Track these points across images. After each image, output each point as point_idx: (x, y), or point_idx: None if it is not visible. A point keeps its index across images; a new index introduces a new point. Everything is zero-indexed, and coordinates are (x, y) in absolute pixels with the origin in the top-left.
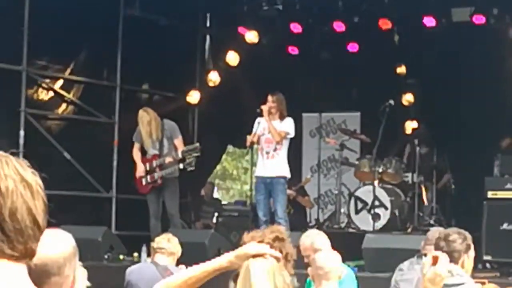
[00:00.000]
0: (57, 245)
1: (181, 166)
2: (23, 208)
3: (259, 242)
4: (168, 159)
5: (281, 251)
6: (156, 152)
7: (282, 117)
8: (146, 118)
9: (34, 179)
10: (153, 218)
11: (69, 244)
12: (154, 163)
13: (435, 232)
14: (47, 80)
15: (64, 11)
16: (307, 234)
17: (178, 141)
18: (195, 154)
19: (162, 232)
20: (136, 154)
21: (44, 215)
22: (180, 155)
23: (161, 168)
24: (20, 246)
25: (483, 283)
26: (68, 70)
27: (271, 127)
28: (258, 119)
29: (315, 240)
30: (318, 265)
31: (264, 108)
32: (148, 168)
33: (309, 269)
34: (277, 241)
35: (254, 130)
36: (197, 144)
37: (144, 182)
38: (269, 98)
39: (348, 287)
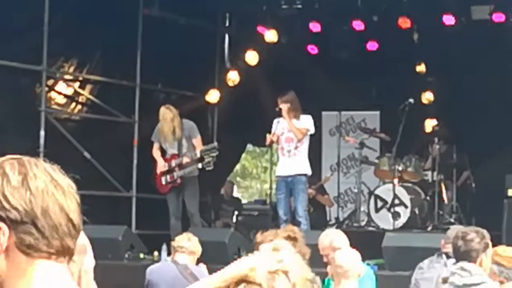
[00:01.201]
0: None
1: (199, 165)
2: (55, 206)
3: (271, 241)
4: (186, 159)
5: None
6: (175, 151)
7: (297, 115)
8: (169, 115)
9: (65, 180)
10: (173, 218)
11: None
12: (173, 162)
13: (454, 231)
14: (67, 80)
15: (83, 11)
16: (326, 233)
17: (197, 141)
18: (214, 154)
19: (182, 231)
20: (156, 153)
21: (78, 213)
22: (198, 155)
23: (180, 167)
24: (55, 243)
25: (502, 282)
26: (87, 70)
27: (292, 126)
28: (277, 119)
29: (334, 239)
30: (338, 264)
31: (283, 107)
32: (167, 168)
33: (329, 267)
34: (290, 240)
35: (273, 129)
36: (215, 144)
37: (163, 182)
38: (279, 101)
39: (367, 286)
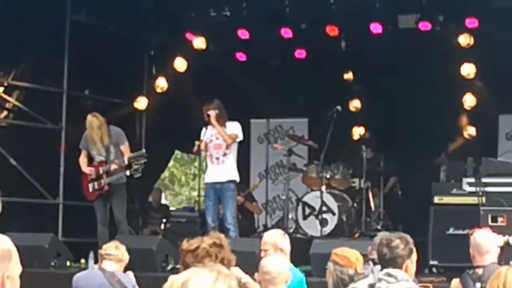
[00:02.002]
0: None
1: (127, 172)
2: None
3: (196, 248)
4: (114, 166)
5: (217, 257)
6: (103, 158)
7: (225, 123)
8: (95, 123)
9: None
10: (101, 225)
11: None
12: (101, 169)
13: (378, 238)
14: None
15: (10, 16)
16: (274, 231)
17: (125, 147)
18: (142, 161)
19: (110, 239)
20: (83, 162)
21: None
22: (126, 162)
23: (108, 174)
24: None
25: (426, 287)
26: (14, 76)
27: (221, 131)
28: (205, 127)
29: (279, 239)
30: (265, 270)
31: (212, 113)
32: (95, 175)
33: (256, 274)
34: (215, 247)
35: (201, 137)
36: (143, 151)
37: (91, 189)
38: (204, 109)
39: None
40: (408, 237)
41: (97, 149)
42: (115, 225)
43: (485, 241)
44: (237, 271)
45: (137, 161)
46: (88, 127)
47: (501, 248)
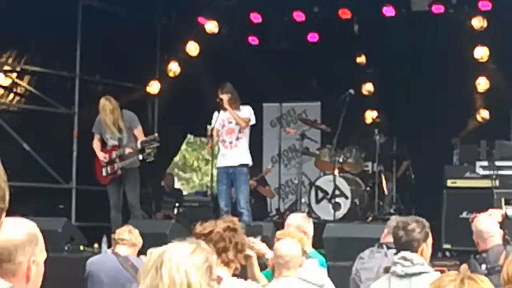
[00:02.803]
0: (9, 232)
1: (140, 157)
2: None
3: (210, 231)
4: (128, 150)
5: (231, 241)
6: (116, 143)
7: (238, 106)
8: (109, 106)
9: None
10: (114, 210)
11: (23, 231)
12: (114, 154)
13: (394, 221)
14: (5, 71)
15: (22, 1)
16: (298, 214)
17: (138, 132)
18: (154, 145)
19: (123, 223)
20: (96, 146)
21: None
22: (139, 146)
23: (121, 159)
24: None
25: (442, 271)
26: (26, 60)
27: (234, 115)
28: (216, 112)
29: (302, 222)
30: (278, 254)
31: (224, 97)
32: (108, 159)
33: (269, 259)
34: (228, 231)
35: (213, 123)
36: (156, 135)
37: (104, 173)
38: (219, 92)
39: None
40: (424, 220)
41: (110, 132)
42: (128, 209)
43: (486, 227)
44: (262, 246)
45: (150, 145)
46: (101, 111)
47: (501, 223)
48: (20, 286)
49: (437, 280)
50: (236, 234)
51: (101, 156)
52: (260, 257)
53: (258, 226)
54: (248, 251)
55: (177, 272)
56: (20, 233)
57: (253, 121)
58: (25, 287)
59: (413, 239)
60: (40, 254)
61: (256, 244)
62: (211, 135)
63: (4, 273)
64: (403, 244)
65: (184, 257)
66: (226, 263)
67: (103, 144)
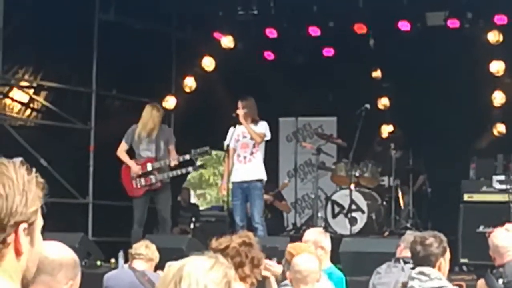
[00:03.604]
0: (57, 250)
1: (190, 169)
2: None
3: (226, 247)
4: (174, 162)
5: (247, 256)
6: (150, 154)
7: (254, 121)
8: (156, 112)
9: None
10: (137, 224)
11: (70, 255)
12: (150, 165)
13: (410, 236)
14: (22, 87)
15: (39, 16)
16: (315, 229)
17: (172, 147)
18: (206, 156)
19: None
20: (125, 155)
21: None
22: (188, 157)
23: (159, 171)
24: None
25: (460, 286)
26: (43, 76)
27: (250, 130)
28: (232, 128)
29: (319, 237)
30: (297, 269)
31: (240, 112)
32: (141, 171)
33: (287, 272)
34: (244, 246)
35: (228, 138)
36: (208, 148)
37: (138, 185)
38: (239, 104)
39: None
40: (441, 235)
41: (145, 143)
42: (147, 224)
43: (503, 242)
44: (278, 268)
45: (202, 157)
46: (147, 117)
47: None
48: None
49: None
50: (252, 249)
51: (135, 167)
52: (277, 279)
53: (273, 248)
54: (265, 273)
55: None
56: (68, 255)
57: (268, 137)
58: None
59: (431, 253)
60: (77, 282)
61: (273, 266)
62: (228, 154)
63: (40, 284)
64: (421, 259)
65: (203, 272)
66: (243, 278)
67: (131, 155)
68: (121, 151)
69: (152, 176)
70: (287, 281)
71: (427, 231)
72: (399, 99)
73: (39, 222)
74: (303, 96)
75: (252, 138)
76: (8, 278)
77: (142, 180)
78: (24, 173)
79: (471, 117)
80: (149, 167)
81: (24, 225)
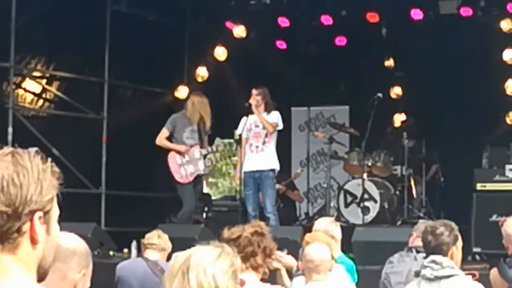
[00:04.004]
0: (71, 239)
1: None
2: None
3: (238, 236)
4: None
5: (259, 245)
6: (195, 142)
7: (268, 110)
8: (205, 101)
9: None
10: (189, 212)
11: (84, 245)
12: (198, 152)
13: (422, 225)
14: (35, 77)
15: (51, 6)
16: (325, 218)
17: (207, 138)
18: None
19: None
20: (165, 141)
21: None
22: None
23: (204, 157)
24: None
25: (473, 275)
26: (55, 66)
27: (263, 119)
28: (245, 117)
29: (329, 227)
30: (308, 258)
31: (253, 102)
32: (188, 158)
33: (299, 262)
34: (256, 235)
35: (239, 128)
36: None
37: (187, 172)
38: (253, 91)
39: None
40: (452, 224)
41: (190, 130)
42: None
43: None
44: (289, 259)
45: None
46: (198, 105)
47: None
48: None
49: None
50: (264, 239)
51: (184, 148)
52: (288, 270)
53: (284, 239)
54: (276, 264)
55: (204, 277)
56: (81, 245)
57: (280, 127)
58: None
59: (442, 243)
60: (89, 271)
61: (284, 257)
62: (240, 144)
63: (56, 272)
64: (433, 248)
65: (210, 261)
66: (255, 268)
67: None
68: (162, 138)
69: (200, 163)
70: None
71: (439, 220)
72: (411, 88)
73: (55, 211)
74: (315, 85)
75: (264, 128)
76: (24, 267)
77: (191, 166)
78: (39, 162)
79: (484, 105)
80: (196, 153)
81: (40, 213)
